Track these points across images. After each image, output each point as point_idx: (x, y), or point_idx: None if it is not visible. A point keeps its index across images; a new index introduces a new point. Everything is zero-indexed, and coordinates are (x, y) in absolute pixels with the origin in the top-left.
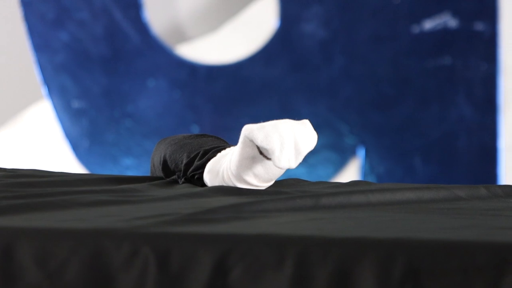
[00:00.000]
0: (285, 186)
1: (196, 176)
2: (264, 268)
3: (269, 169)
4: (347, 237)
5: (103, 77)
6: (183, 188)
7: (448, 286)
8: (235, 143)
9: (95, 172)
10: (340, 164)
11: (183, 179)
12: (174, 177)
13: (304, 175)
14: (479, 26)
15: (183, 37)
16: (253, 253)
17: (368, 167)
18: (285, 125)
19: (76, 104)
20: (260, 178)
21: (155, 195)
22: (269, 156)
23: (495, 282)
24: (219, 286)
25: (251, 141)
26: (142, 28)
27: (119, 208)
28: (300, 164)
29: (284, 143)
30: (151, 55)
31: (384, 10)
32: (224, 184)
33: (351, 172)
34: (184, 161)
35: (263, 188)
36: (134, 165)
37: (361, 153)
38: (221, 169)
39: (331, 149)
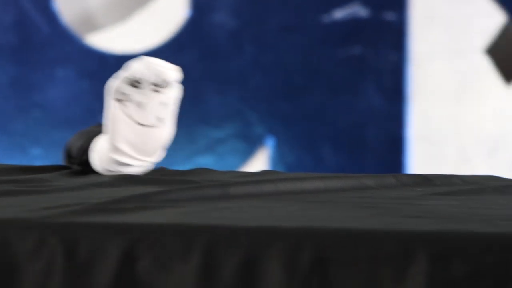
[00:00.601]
0: (193, 175)
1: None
2: (172, 257)
3: (141, 134)
4: (255, 226)
5: (11, 67)
6: (91, 177)
7: (355, 275)
8: None
9: (2, 162)
10: (248, 154)
11: (76, 165)
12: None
13: (212, 165)
14: (389, 15)
15: (93, 26)
16: (160, 242)
17: (277, 156)
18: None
19: None
20: (135, 148)
21: (62, 185)
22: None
23: (402, 270)
24: (127, 276)
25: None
26: (51, 17)
27: (25, 198)
28: (209, 153)
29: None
30: (60, 45)
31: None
32: (99, 164)
33: (260, 162)
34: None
35: (142, 164)
36: (42, 155)
37: (270, 142)
38: (98, 145)
39: (240, 138)
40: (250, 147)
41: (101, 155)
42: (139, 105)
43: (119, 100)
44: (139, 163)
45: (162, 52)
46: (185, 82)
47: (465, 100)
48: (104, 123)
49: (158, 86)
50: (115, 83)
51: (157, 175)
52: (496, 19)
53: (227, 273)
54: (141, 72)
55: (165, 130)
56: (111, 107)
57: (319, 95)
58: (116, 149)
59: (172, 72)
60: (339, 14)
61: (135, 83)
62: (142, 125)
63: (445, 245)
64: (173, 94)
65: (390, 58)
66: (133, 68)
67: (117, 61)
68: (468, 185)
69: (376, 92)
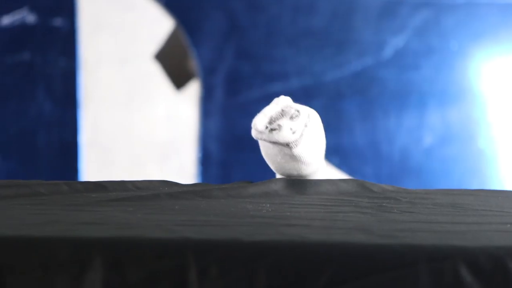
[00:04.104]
0: None
1: None
2: None
3: None
4: None
5: None
6: None
7: (30, 282)
8: None
9: None
10: None
11: None
12: None
13: None
14: (58, 21)
15: None
16: None
17: None
18: None
19: None
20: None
21: None
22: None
23: (78, 277)
24: None
25: None
26: None
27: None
28: None
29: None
30: None
31: None
32: None
33: None
34: None
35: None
36: None
37: None
38: None
39: None
40: None
41: None
42: None
43: None
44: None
45: None
46: None
47: (135, 106)
48: None
49: None
50: None
51: None
52: (164, 25)
53: None
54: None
55: None
56: None
57: None
58: None
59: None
60: (7, 20)
61: None
62: None
63: (120, 251)
64: None
65: (60, 64)
66: None
67: None
68: (142, 191)
69: (47, 98)
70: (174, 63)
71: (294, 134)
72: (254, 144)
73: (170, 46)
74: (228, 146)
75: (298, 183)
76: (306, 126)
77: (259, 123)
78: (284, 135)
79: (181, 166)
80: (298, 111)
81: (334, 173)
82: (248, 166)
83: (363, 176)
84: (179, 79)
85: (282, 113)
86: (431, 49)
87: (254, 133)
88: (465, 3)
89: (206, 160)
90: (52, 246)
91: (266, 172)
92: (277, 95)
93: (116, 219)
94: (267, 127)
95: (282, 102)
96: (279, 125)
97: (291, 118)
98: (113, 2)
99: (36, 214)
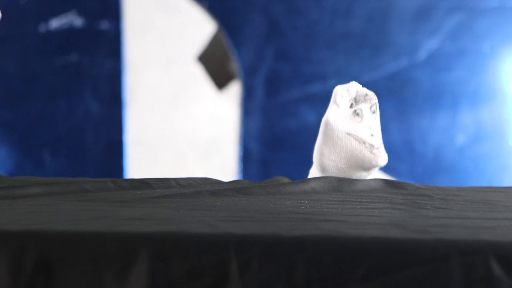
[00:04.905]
0: None
1: None
2: None
3: None
4: None
5: None
6: None
7: (79, 275)
8: None
9: None
10: None
11: None
12: None
13: None
14: (104, 25)
15: None
16: None
17: None
18: None
19: None
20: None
21: None
22: None
23: (124, 270)
24: None
25: None
26: None
27: None
28: None
29: None
30: None
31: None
32: None
33: None
34: None
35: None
36: None
37: None
38: None
39: None
40: None
41: None
42: None
43: None
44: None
45: None
46: None
47: (179, 106)
48: None
49: None
50: None
51: None
52: (206, 28)
53: None
54: None
55: None
56: None
57: (39, 102)
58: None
59: None
60: (55, 23)
61: None
62: None
63: (165, 245)
64: None
65: (107, 65)
66: None
67: None
68: (185, 189)
69: (94, 99)
70: (216, 65)
71: (372, 136)
72: (292, 143)
73: (212, 48)
74: (267, 144)
75: (334, 181)
76: (374, 112)
77: (332, 117)
78: (363, 130)
79: (222, 164)
80: (377, 107)
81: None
82: (287, 163)
83: (398, 173)
84: (221, 80)
85: (365, 98)
86: (463, 51)
87: (326, 127)
88: (497, 7)
89: (246, 158)
90: (100, 240)
91: (303, 169)
92: (316, 96)
93: (160, 215)
94: (351, 105)
95: (354, 87)
96: (361, 110)
97: (371, 110)
98: (158, 6)
99: (83, 210)
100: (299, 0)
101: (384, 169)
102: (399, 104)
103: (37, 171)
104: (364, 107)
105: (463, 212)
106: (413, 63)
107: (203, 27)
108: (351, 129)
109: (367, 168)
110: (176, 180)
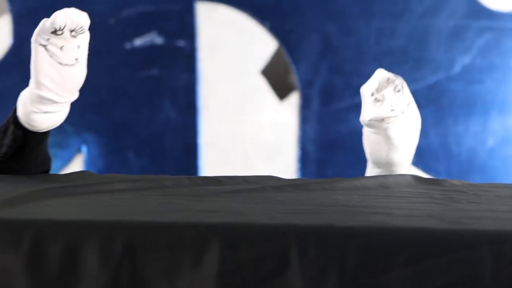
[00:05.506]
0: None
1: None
2: (5, 247)
3: (62, 72)
4: (73, 220)
5: None
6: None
7: (159, 260)
8: None
9: None
10: (66, 159)
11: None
12: None
13: None
14: (181, 42)
15: None
16: None
17: (90, 161)
18: None
19: None
20: (57, 84)
21: None
22: None
23: (198, 256)
24: None
25: None
26: None
27: None
28: None
29: None
30: None
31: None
32: (23, 108)
33: (76, 166)
34: None
35: (63, 100)
36: None
37: (84, 149)
38: (23, 92)
39: (58, 146)
40: (67, 154)
41: (25, 97)
42: (60, 48)
43: (42, 45)
44: (61, 99)
45: None
46: (10, 100)
47: (246, 113)
48: (30, 69)
49: (75, 32)
50: (39, 30)
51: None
52: (269, 45)
53: (52, 259)
54: (62, 21)
55: (81, 70)
56: (36, 52)
57: (124, 110)
58: (40, 85)
59: (86, 20)
60: (139, 42)
61: (56, 31)
62: (63, 64)
63: (234, 234)
64: (86, 38)
65: (183, 78)
66: (55, 18)
67: None
68: (251, 185)
69: (172, 107)
70: (277, 78)
71: (392, 111)
72: (344, 145)
73: (274, 63)
74: (322, 147)
75: (381, 178)
76: (402, 113)
77: (367, 115)
78: (382, 110)
79: (284, 164)
80: (402, 86)
81: (413, 170)
82: (340, 164)
83: (436, 172)
84: (281, 91)
85: (388, 82)
86: (493, 66)
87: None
88: None
89: (304, 159)
90: (177, 229)
91: (355, 169)
92: None
93: (230, 208)
94: (372, 94)
95: (384, 74)
96: (383, 95)
97: (396, 89)
98: (227, 26)
99: (163, 203)
100: (350, 21)
101: (424, 168)
102: (437, 112)
103: (123, 169)
104: (387, 91)
105: (493, 206)
106: (449, 76)
107: (266, 45)
108: (371, 116)
109: (384, 160)
110: (243, 177)
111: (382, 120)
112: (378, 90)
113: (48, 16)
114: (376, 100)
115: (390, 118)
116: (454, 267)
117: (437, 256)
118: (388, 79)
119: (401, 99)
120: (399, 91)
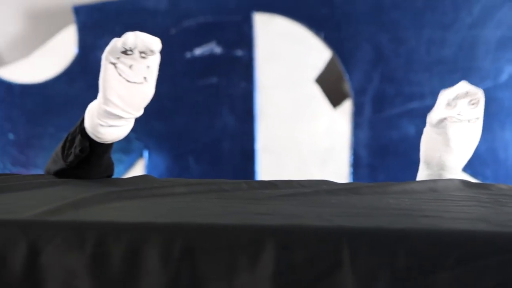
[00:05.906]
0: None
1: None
2: (70, 247)
3: (130, 90)
4: (135, 222)
5: None
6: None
7: (217, 260)
8: (44, 151)
9: None
10: (129, 164)
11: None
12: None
13: None
14: (239, 52)
15: (1, 62)
16: (60, 236)
17: (151, 166)
18: None
19: None
20: (124, 101)
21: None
22: None
23: (255, 257)
24: (32, 263)
25: None
26: None
27: None
28: None
29: None
30: None
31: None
32: (90, 120)
33: (138, 170)
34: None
35: (130, 116)
36: None
37: (145, 154)
38: (91, 105)
39: (121, 152)
40: (130, 158)
41: (93, 110)
42: (129, 67)
43: (112, 63)
44: (127, 115)
45: (57, 82)
46: (76, 107)
47: (301, 120)
48: (99, 85)
49: (145, 53)
50: (110, 49)
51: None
52: (323, 55)
53: (116, 260)
54: (132, 42)
55: (149, 88)
56: (106, 69)
57: (185, 117)
58: (107, 101)
59: (157, 44)
60: (199, 51)
61: (126, 51)
62: (131, 82)
63: (288, 236)
64: (156, 60)
65: (241, 86)
66: (126, 39)
67: (21, 90)
68: (306, 188)
69: (230, 114)
70: (331, 86)
71: (459, 115)
72: (395, 151)
73: (328, 72)
74: (374, 152)
75: (431, 183)
76: (469, 121)
77: (434, 113)
78: (450, 112)
79: (337, 168)
80: (479, 101)
81: (461, 175)
82: (391, 168)
83: (484, 177)
84: (335, 99)
85: (466, 95)
86: None
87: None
88: None
89: (356, 164)
90: (234, 231)
91: (405, 174)
92: (415, 112)
93: (285, 211)
94: (448, 101)
95: (465, 87)
96: (456, 103)
97: (471, 102)
98: (283, 37)
99: (221, 206)
100: (401, 31)
101: (472, 172)
102: (485, 118)
103: (183, 174)
104: (461, 101)
105: None
106: (496, 84)
107: (320, 54)
108: (438, 116)
109: (437, 161)
110: (298, 181)
111: (445, 118)
112: (454, 99)
113: (111, 27)
114: (448, 104)
115: (453, 118)
116: (501, 268)
117: (485, 258)
118: (467, 92)
119: (473, 111)
120: (473, 104)
